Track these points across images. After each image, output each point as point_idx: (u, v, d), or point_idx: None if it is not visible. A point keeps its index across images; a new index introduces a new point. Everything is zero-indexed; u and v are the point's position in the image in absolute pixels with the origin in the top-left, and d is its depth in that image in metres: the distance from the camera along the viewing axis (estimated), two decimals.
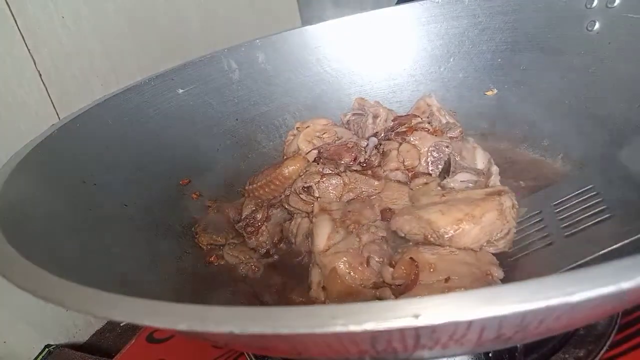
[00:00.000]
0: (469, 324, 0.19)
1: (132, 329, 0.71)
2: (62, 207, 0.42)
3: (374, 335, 0.20)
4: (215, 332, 0.20)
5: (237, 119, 0.67)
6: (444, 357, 0.38)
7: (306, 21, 1.16)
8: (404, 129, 0.56)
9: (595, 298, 0.18)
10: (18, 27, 0.69)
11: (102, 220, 0.45)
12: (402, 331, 0.19)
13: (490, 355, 0.40)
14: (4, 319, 0.69)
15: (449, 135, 0.55)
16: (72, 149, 0.48)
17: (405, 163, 0.53)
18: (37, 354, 0.72)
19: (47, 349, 0.72)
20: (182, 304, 0.21)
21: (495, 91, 0.63)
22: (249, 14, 1.03)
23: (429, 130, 0.55)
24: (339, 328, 0.18)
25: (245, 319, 0.20)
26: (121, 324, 0.79)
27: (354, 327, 0.18)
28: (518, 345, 0.39)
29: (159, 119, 0.59)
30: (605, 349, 0.42)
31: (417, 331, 0.20)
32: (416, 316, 0.18)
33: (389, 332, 0.19)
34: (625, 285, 0.18)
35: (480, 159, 0.55)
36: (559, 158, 0.56)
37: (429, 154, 0.54)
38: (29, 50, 0.70)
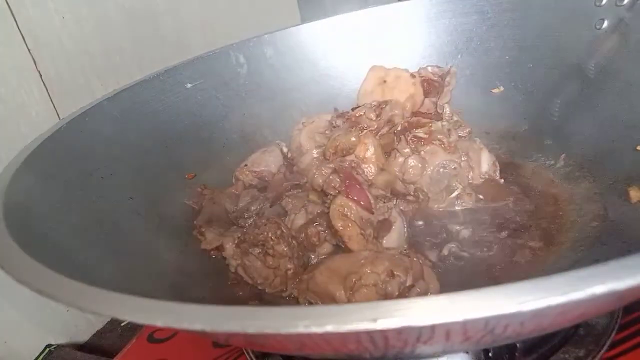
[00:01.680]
0: (431, 328, 0.19)
1: (132, 329, 0.71)
2: (68, 200, 0.42)
3: (341, 336, 0.20)
4: (189, 329, 0.21)
5: (244, 114, 0.67)
6: (434, 356, 0.38)
7: (306, 20, 1.16)
8: (422, 135, 0.52)
9: (545, 308, 0.18)
10: (18, 27, 0.69)
11: (107, 213, 0.45)
12: (367, 333, 0.20)
13: (490, 354, 0.40)
14: (5, 319, 0.69)
15: (458, 134, 0.54)
16: (80, 143, 0.49)
17: (404, 177, 0.51)
18: (37, 353, 0.71)
19: (47, 349, 0.72)
20: (162, 301, 0.22)
21: (502, 89, 0.63)
22: (249, 13, 1.03)
23: (443, 145, 0.51)
24: (301, 329, 0.19)
25: (218, 317, 0.20)
26: (122, 324, 0.79)
27: (315, 329, 0.19)
28: (517, 345, 0.39)
29: (166, 113, 0.60)
30: (605, 348, 0.42)
31: (382, 334, 0.20)
32: (374, 320, 0.18)
33: (351, 334, 0.19)
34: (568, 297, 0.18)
35: (486, 161, 0.54)
36: (560, 158, 0.56)
37: (435, 171, 0.51)
38: (29, 50, 0.70)
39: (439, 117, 0.57)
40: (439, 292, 0.42)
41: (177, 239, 0.51)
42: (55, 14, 0.73)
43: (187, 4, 0.92)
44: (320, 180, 0.48)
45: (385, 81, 0.62)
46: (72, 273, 0.26)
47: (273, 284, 0.46)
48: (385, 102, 0.57)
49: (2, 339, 0.70)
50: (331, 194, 0.47)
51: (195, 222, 0.54)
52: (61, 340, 0.75)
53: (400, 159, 0.52)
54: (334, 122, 0.59)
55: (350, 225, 0.45)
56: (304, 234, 0.49)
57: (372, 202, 0.46)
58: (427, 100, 0.61)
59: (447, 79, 0.59)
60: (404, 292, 0.40)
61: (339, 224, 0.45)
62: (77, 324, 0.78)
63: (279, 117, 0.68)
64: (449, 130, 0.53)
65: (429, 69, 0.61)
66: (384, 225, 0.47)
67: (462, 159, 0.53)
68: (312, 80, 0.70)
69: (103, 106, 0.54)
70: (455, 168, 0.51)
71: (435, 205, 0.52)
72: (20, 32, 0.69)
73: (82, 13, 0.76)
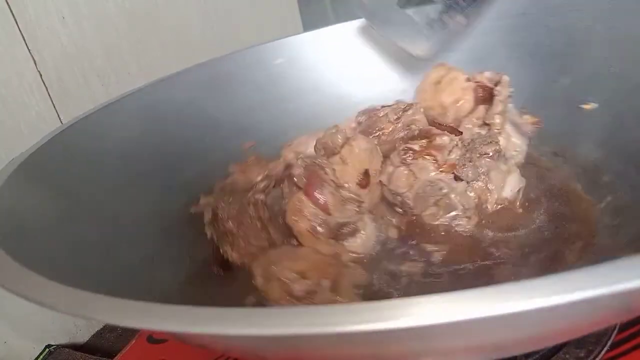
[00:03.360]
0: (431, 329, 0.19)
1: (132, 330, 0.71)
2: (66, 208, 0.42)
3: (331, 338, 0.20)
4: (163, 330, 0.21)
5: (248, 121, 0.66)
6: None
7: (306, 21, 1.16)
8: (416, 148, 0.49)
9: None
10: (18, 27, 0.69)
11: (107, 220, 0.45)
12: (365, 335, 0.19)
13: None
14: (5, 320, 0.69)
15: (480, 150, 0.48)
16: (80, 148, 0.49)
17: (390, 186, 0.49)
18: (37, 354, 0.71)
19: (47, 349, 0.71)
20: (145, 302, 0.22)
21: (595, 105, 0.55)
22: (249, 13, 1.03)
23: (437, 162, 0.48)
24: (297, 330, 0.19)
25: (222, 320, 0.20)
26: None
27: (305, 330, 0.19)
28: None
29: (168, 122, 0.59)
30: (606, 349, 0.42)
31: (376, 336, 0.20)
32: (369, 322, 0.18)
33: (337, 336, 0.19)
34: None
35: (510, 186, 0.49)
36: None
37: (421, 187, 0.48)
38: (29, 50, 0.70)
39: (456, 131, 0.52)
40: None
41: (180, 250, 0.51)
42: (55, 14, 0.73)
43: (188, 4, 0.92)
44: (295, 175, 0.48)
45: (440, 81, 0.58)
46: (69, 282, 0.25)
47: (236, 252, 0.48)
48: (410, 106, 0.55)
49: (2, 339, 0.70)
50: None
51: (216, 183, 0.55)
52: (61, 341, 0.75)
53: (390, 168, 0.50)
54: (359, 118, 0.58)
55: (301, 221, 0.45)
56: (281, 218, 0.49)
57: (330, 203, 0.46)
58: (482, 107, 0.55)
59: (498, 87, 0.54)
60: (308, 297, 0.40)
61: (291, 218, 0.46)
62: (77, 324, 0.78)
63: (282, 123, 0.68)
64: (455, 146, 0.49)
65: (486, 74, 0.56)
66: (349, 229, 0.47)
67: (479, 179, 0.48)
68: (315, 89, 0.69)
69: (109, 110, 0.54)
70: (441, 188, 0.47)
71: (429, 221, 0.49)
72: (20, 32, 0.69)
73: (82, 13, 0.76)
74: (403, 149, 0.49)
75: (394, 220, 0.51)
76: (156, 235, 0.50)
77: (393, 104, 0.57)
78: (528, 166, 0.54)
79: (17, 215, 0.37)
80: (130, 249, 0.45)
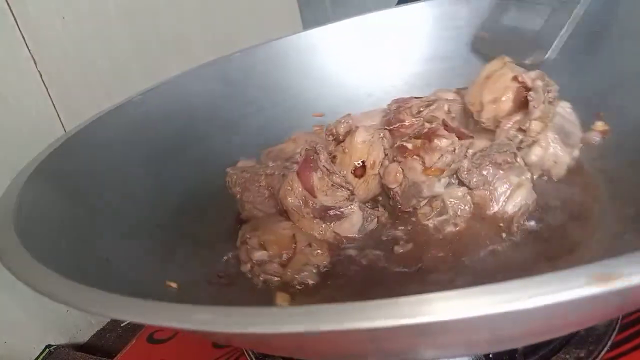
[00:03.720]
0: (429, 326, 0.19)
1: (132, 330, 0.71)
2: (83, 212, 0.41)
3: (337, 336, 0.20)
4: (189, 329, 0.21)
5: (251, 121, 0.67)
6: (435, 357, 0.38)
7: (306, 21, 1.16)
8: (412, 147, 0.48)
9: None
10: (19, 28, 0.69)
11: (122, 225, 0.44)
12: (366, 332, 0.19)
13: (490, 355, 0.40)
14: (5, 319, 0.69)
15: (491, 158, 0.46)
16: (94, 151, 0.48)
17: (383, 180, 0.50)
18: (37, 354, 0.72)
19: (47, 349, 0.72)
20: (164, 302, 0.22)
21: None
22: (250, 14, 1.03)
23: (423, 164, 0.47)
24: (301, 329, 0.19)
25: (218, 318, 0.21)
26: (122, 325, 0.79)
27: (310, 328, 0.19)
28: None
29: (178, 119, 0.60)
30: (606, 349, 0.42)
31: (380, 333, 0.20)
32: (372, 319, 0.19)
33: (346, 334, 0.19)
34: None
35: (516, 200, 0.46)
36: None
37: (405, 186, 0.47)
38: (29, 50, 0.70)
39: (464, 136, 0.49)
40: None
41: (192, 254, 0.49)
42: (55, 14, 0.73)
43: (188, 4, 0.92)
44: (299, 155, 0.52)
45: (490, 76, 0.54)
46: (89, 281, 0.25)
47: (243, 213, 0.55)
48: (434, 101, 0.54)
49: (2, 339, 0.70)
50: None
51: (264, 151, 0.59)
52: (61, 341, 0.76)
53: (387, 162, 0.50)
54: (391, 106, 0.57)
55: (289, 197, 0.49)
56: None
57: (317, 186, 0.49)
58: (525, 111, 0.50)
59: (531, 92, 0.49)
60: (259, 265, 0.45)
61: (282, 194, 0.50)
62: (77, 324, 0.78)
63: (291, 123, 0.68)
64: (449, 151, 0.46)
65: (532, 74, 0.50)
66: (334, 213, 0.49)
67: (484, 187, 0.46)
68: (323, 86, 0.69)
69: (119, 112, 0.53)
70: (421, 191, 0.46)
71: (422, 220, 0.48)
72: (20, 32, 0.69)
73: (82, 13, 0.76)
74: (397, 146, 0.49)
75: (387, 211, 0.52)
76: (177, 242, 0.49)
77: (424, 96, 0.56)
78: (569, 177, 0.50)
79: (39, 213, 0.37)
80: (151, 252, 0.44)
